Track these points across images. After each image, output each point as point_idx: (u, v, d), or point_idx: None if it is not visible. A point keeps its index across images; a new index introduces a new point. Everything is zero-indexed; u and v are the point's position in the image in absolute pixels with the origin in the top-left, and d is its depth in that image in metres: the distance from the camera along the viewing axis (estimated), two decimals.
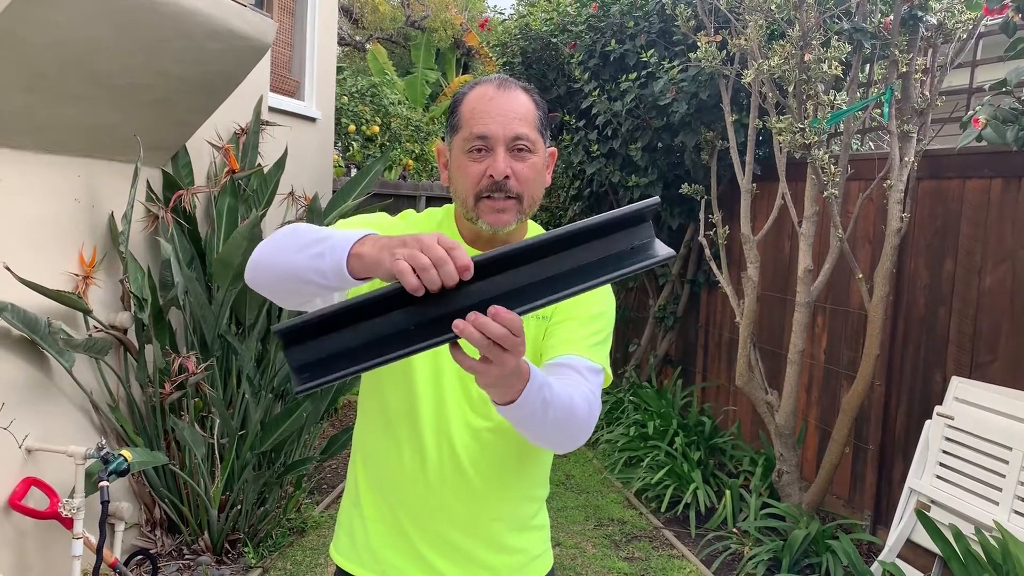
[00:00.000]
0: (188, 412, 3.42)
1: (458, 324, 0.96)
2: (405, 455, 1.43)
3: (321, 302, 1.22)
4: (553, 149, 1.47)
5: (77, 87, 2.87)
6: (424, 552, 1.45)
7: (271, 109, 4.81)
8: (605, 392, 5.79)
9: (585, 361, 1.33)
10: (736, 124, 4.39)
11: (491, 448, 1.41)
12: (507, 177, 1.34)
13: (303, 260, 1.15)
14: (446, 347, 0.99)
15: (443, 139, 1.47)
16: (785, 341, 4.42)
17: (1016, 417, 2.98)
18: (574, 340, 1.36)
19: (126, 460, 2.77)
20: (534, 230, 1.51)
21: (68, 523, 2.82)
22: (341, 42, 11.66)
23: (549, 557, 1.58)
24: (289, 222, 4.53)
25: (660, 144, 5.06)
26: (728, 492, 4.19)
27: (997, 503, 2.94)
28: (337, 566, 1.54)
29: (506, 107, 1.36)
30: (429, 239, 1.00)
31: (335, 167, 7.73)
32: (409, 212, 1.51)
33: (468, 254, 0.98)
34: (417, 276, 0.97)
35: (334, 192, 5.17)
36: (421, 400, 1.41)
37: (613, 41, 5.15)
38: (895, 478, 3.84)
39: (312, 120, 5.67)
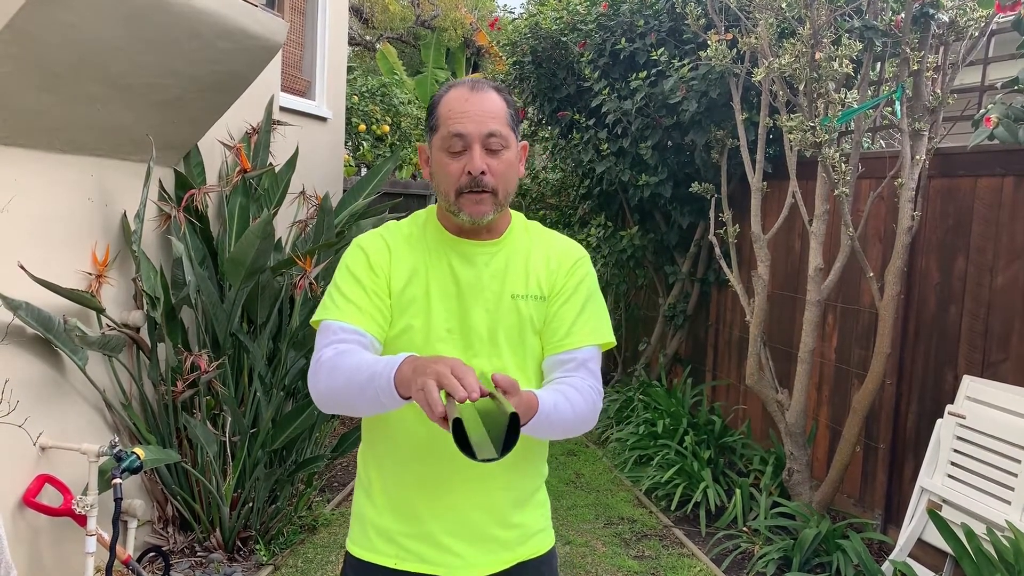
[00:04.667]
0: (200, 410, 3.44)
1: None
2: (412, 432, 1.51)
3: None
4: (525, 143, 1.59)
5: (90, 87, 2.89)
6: (435, 532, 1.52)
7: (282, 109, 4.83)
8: (614, 391, 5.84)
9: (589, 350, 1.55)
10: (746, 122, 4.38)
11: None
12: (483, 173, 1.47)
13: (366, 402, 1.35)
14: (448, 325, 1.52)
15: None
16: (795, 340, 4.41)
17: None
18: (577, 329, 1.55)
19: (139, 458, 2.79)
20: (518, 219, 1.64)
21: (82, 520, 2.85)
22: (351, 42, 11.69)
23: (551, 534, 1.67)
24: (300, 221, 4.57)
25: (670, 142, 5.05)
26: (738, 491, 4.18)
27: (1009, 502, 2.93)
28: (353, 556, 1.59)
29: (479, 107, 1.48)
30: (446, 369, 1.20)
31: (346, 166, 7.75)
32: (390, 224, 1.63)
33: (476, 381, 1.20)
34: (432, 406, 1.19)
35: (345, 191, 5.19)
36: None
37: (623, 40, 5.15)
38: (906, 477, 3.83)
39: (323, 120, 5.69)
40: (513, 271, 1.56)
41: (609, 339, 1.58)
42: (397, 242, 1.57)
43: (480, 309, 1.53)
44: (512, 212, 1.63)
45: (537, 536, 1.62)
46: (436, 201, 1.60)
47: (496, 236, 1.58)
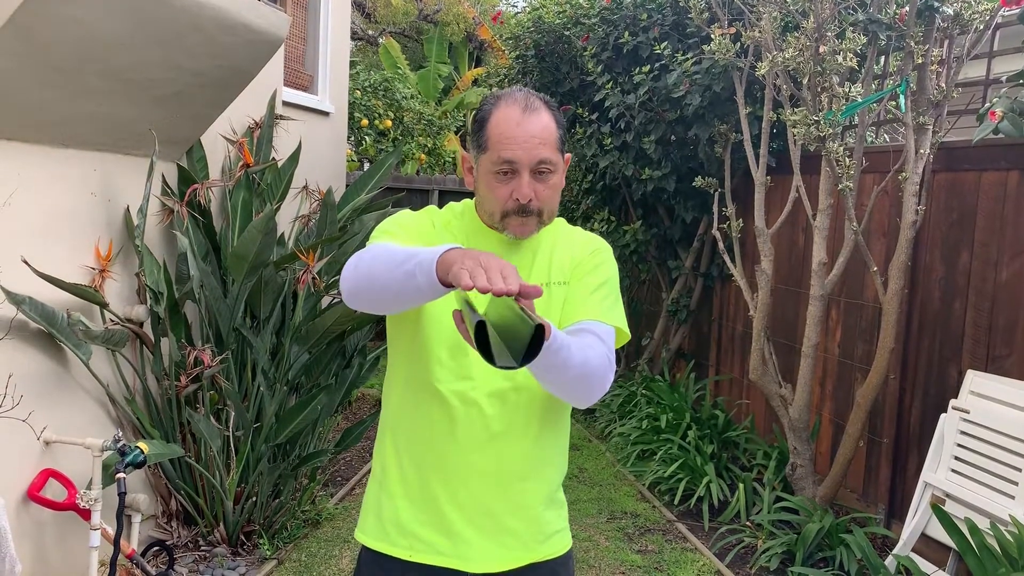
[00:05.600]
0: (203, 405, 3.44)
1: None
2: (435, 419, 1.52)
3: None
4: (568, 156, 1.60)
5: (93, 82, 2.89)
6: (453, 520, 1.52)
7: (285, 103, 4.83)
8: (617, 386, 5.83)
9: (601, 325, 1.51)
10: (750, 117, 4.37)
11: (515, 407, 1.53)
12: (530, 200, 1.50)
13: (400, 279, 1.31)
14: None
15: (464, 145, 1.57)
16: (799, 334, 4.40)
17: None
18: (589, 305, 1.54)
19: (142, 452, 2.80)
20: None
21: (86, 515, 2.85)
22: (354, 36, 11.68)
23: (568, 536, 1.66)
24: (303, 216, 4.57)
25: (673, 137, 5.04)
26: (741, 485, 4.18)
27: (1013, 497, 2.93)
28: (367, 548, 1.60)
29: (531, 133, 1.49)
30: (496, 264, 1.16)
31: (348, 161, 7.75)
32: (432, 208, 1.67)
33: (518, 282, 1.15)
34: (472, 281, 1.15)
35: (347, 186, 5.19)
36: (446, 367, 1.52)
37: (626, 33, 5.14)
38: (909, 472, 3.83)
39: (326, 114, 5.69)
40: (540, 261, 1.60)
41: (621, 324, 1.55)
42: (438, 223, 1.62)
43: None
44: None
45: (555, 537, 1.61)
46: (472, 197, 1.63)
47: None
